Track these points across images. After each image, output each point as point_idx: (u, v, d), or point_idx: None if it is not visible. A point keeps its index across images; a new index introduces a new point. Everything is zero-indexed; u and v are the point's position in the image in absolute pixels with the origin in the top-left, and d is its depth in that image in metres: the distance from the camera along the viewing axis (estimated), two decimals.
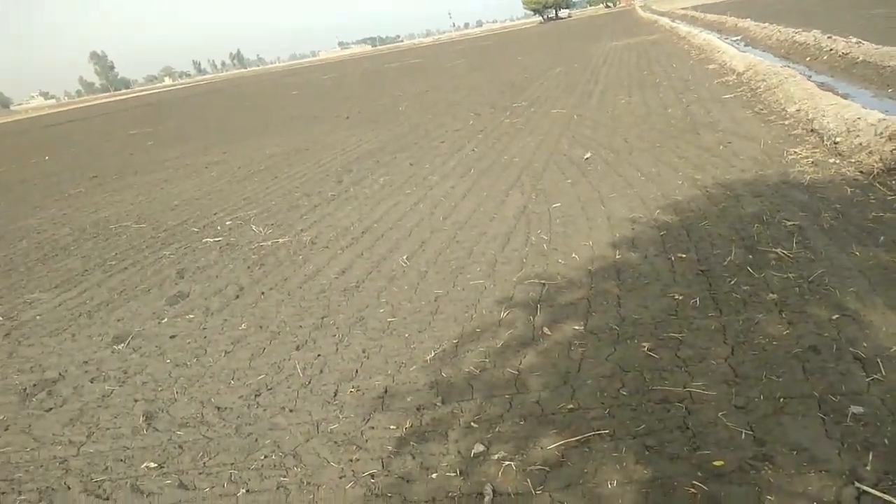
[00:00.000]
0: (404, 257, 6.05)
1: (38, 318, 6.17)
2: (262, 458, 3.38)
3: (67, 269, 7.65)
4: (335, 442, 3.40)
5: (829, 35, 15.37)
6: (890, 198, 5.12)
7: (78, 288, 6.84)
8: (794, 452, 2.68)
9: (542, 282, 4.89)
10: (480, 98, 18.10)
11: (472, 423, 3.33)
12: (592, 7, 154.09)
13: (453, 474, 2.97)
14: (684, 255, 4.86)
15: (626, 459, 2.83)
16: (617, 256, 5.10)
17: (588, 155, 8.70)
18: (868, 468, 2.51)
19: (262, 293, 5.82)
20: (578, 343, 3.90)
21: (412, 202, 8.13)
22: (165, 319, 5.56)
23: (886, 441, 2.63)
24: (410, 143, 12.66)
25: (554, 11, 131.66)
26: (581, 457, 2.90)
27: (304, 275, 6.13)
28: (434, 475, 3.00)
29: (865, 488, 2.39)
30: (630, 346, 3.73)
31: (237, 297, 5.85)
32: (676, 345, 3.66)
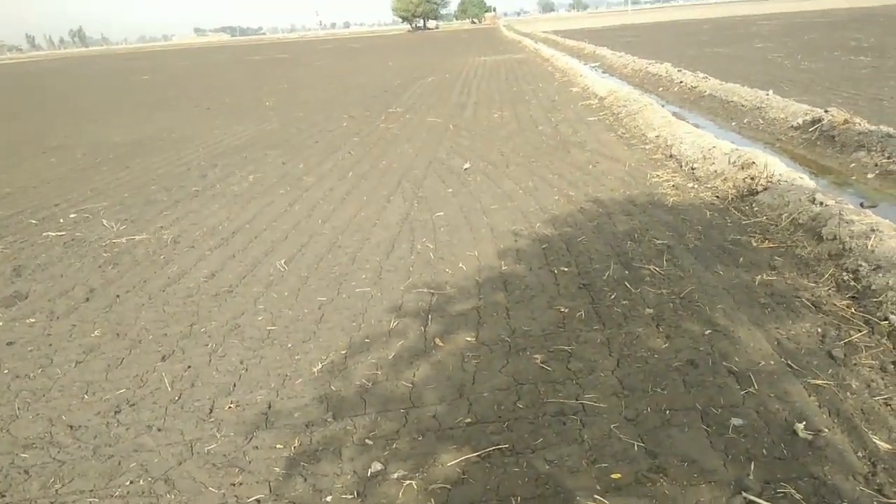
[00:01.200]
0: (282, 261, 5.73)
1: None
2: (128, 483, 2.99)
3: None
4: (213, 464, 3.09)
5: (679, 68, 16.84)
6: (745, 222, 5.64)
7: None
8: (685, 464, 2.80)
9: (431, 291, 4.82)
10: (353, 100, 17.83)
11: (367, 440, 3.17)
12: (459, 21, 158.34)
13: (350, 496, 2.79)
14: (566, 269, 5.01)
15: (527, 474, 2.81)
16: (503, 268, 5.15)
17: (467, 165, 8.81)
18: (751, 478, 2.68)
19: (118, 296, 5.24)
20: (472, 355, 3.86)
21: (287, 203, 7.76)
22: (1, 324, 4.83)
23: (765, 451, 2.82)
24: (281, 141, 12.15)
25: (423, 21, 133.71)
26: (483, 473, 2.84)
27: (167, 277, 5.60)
28: (328, 498, 2.80)
29: (752, 498, 2.54)
30: (523, 359, 3.76)
31: (87, 299, 5.22)
32: (566, 357, 3.74)
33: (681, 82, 15.31)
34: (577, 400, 3.32)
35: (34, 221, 7.57)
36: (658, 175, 7.49)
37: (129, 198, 8.46)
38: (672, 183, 7.11)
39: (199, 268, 5.76)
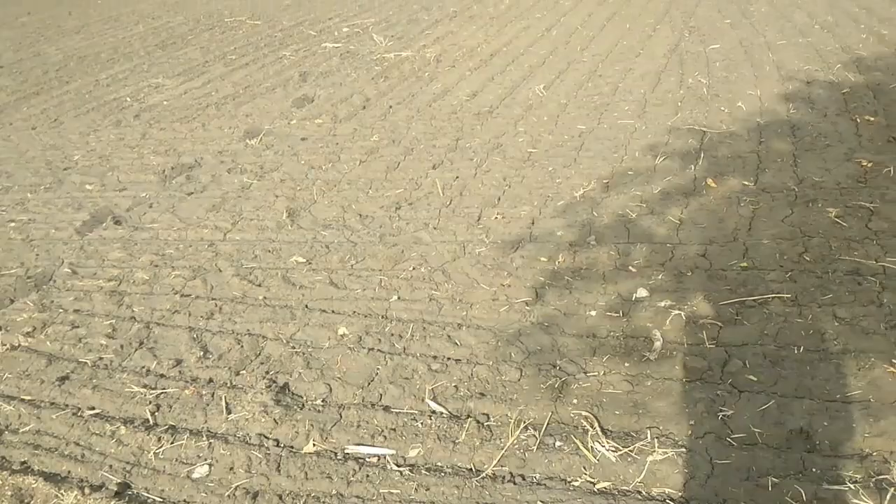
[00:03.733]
0: (541, 87, 5.63)
1: (164, 103, 6.20)
2: (411, 269, 3.34)
3: (188, 58, 7.58)
4: (484, 265, 3.32)
5: None
6: None
7: (201, 78, 6.79)
8: None
9: (703, 129, 4.45)
10: None
11: (631, 268, 3.16)
12: None
13: (615, 314, 2.85)
14: (872, 119, 4.29)
15: (812, 327, 2.62)
16: (791, 112, 4.56)
17: None
18: None
19: (390, 107, 5.60)
20: (749, 200, 3.57)
21: (544, 27, 7.48)
22: (294, 121, 5.47)
23: None
24: None
25: None
26: (760, 318, 2.71)
27: (431, 93, 5.83)
28: (593, 312, 2.89)
29: None
30: (812, 210, 3.38)
31: (364, 107, 5.66)
32: (867, 215, 3.29)
33: None
34: (876, 261, 2.94)
35: (313, 33, 8.22)
36: None
37: (393, 15, 8.76)
38: None
39: (461, 87, 5.89)
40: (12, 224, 4.14)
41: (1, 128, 5.90)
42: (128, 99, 6.32)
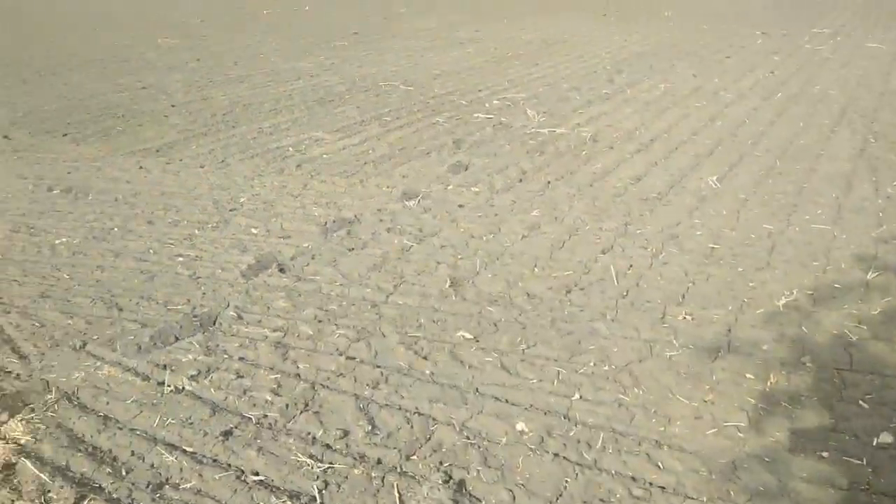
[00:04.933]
0: (713, 178, 5.26)
1: (324, 156, 6.30)
2: (591, 364, 3.01)
3: (345, 115, 7.78)
4: (678, 372, 2.93)
5: None
6: None
7: (358, 136, 6.90)
8: None
9: None
10: (763, 18, 15.75)
11: (863, 403, 2.68)
12: None
13: (856, 461, 2.38)
14: None
15: None
16: None
17: None
18: None
19: (548, 182, 5.40)
20: None
21: (706, 117, 7.15)
22: (451, 187, 5.36)
23: None
24: (687, 52, 11.32)
25: None
26: None
27: (591, 172, 5.59)
28: (825, 453, 2.43)
29: None
30: None
31: (521, 180, 5.49)
32: None
33: None
34: None
35: (464, 102, 8.28)
36: None
37: (543, 93, 8.72)
38: None
39: (622, 169, 5.63)
40: (180, 259, 4.17)
41: (170, 163, 6.18)
42: (290, 149, 6.49)
